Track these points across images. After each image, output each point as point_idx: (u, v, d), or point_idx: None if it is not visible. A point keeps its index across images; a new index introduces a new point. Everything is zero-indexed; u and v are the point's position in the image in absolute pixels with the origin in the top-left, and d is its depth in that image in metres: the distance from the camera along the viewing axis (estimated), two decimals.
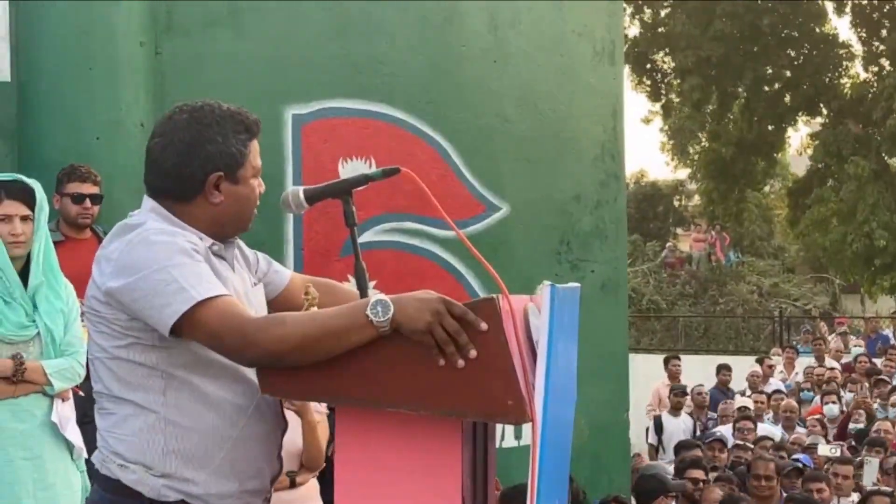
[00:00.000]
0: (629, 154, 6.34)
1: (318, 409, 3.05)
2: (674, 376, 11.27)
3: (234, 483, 2.26)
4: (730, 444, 8.12)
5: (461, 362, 1.99)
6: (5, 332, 3.57)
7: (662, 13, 24.08)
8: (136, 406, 2.22)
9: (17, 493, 3.54)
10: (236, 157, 2.26)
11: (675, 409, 9.90)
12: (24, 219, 3.62)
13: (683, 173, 32.70)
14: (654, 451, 9.77)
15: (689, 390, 10.53)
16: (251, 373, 2.20)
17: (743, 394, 11.45)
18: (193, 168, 2.25)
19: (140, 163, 2.34)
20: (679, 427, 9.67)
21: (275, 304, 2.45)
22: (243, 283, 2.36)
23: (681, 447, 7.59)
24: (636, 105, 40.32)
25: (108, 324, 2.22)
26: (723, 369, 11.98)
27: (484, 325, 1.99)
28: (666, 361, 11.73)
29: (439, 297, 2.01)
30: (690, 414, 10.21)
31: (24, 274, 3.65)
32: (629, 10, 22.75)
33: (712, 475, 6.55)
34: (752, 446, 7.79)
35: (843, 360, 14.01)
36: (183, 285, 2.11)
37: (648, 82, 24.78)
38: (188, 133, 2.25)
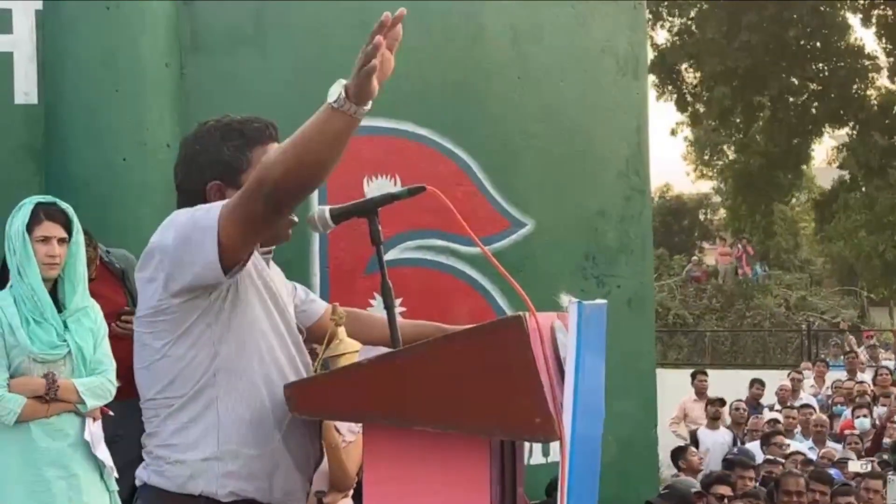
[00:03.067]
0: (653, 167, 6.31)
1: (353, 429, 3.05)
2: (700, 391, 11.16)
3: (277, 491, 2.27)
4: (760, 460, 8.00)
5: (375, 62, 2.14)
6: (38, 351, 3.60)
7: (689, 21, 24.03)
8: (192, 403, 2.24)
9: None
10: (231, 163, 2.30)
11: (714, 420, 9.60)
12: (60, 241, 3.67)
13: (707, 185, 32.61)
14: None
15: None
16: (279, 391, 2.20)
17: (772, 408, 11.33)
18: (192, 181, 2.34)
19: (166, 183, 2.36)
20: (718, 441, 9.26)
21: (309, 332, 2.51)
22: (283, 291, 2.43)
23: (733, 463, 7.35)
24: (660, 116, 40.12)
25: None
26: (755, 383, 11.85)
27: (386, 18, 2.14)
28: (693, 376, 11.64)
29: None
30: (729, 427, 9.95)
31: (51, 294, 3.68)
32: (651, 18, 22.70)
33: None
34: (782, 461, 7.68)
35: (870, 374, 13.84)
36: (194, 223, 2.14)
37: (673, 91, 24.72)
38: (185, 149, 2.38)
